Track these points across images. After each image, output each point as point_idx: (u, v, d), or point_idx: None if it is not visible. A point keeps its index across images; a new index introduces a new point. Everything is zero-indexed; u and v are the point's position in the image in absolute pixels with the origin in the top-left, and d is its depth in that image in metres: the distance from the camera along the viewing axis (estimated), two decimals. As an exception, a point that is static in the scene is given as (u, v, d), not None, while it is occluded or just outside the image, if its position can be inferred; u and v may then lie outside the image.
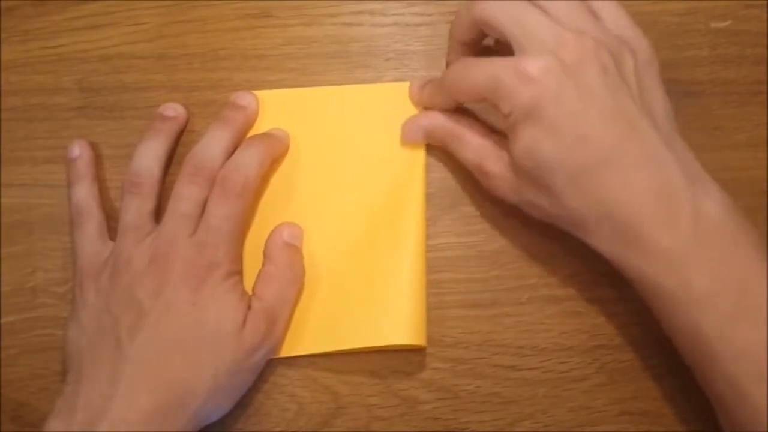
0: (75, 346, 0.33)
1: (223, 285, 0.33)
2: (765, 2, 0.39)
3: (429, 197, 0.37)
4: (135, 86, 0.38)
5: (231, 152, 0.35)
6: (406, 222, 0.36)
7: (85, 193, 0.36)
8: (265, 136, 0.37)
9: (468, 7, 0.33)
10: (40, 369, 0.36)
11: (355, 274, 0.36)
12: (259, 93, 0.38)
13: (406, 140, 0.37)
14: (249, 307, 0.34)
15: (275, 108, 0.38)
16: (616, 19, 0.33)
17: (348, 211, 0.37)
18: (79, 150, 0.37)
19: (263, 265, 0.35)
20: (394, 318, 0.35)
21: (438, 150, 0.37)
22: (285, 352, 0.36)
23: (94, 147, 0.38)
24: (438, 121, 0.36)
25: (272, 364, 0.36)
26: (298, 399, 0.36)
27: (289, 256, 0.36)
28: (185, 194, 0.34)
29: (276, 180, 0.37)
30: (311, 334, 0.36)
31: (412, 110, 0.37)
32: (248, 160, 0.35)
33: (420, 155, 0.37)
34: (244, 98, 0.37)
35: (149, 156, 0.36)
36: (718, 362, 0.29)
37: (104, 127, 0.38)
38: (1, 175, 0.38)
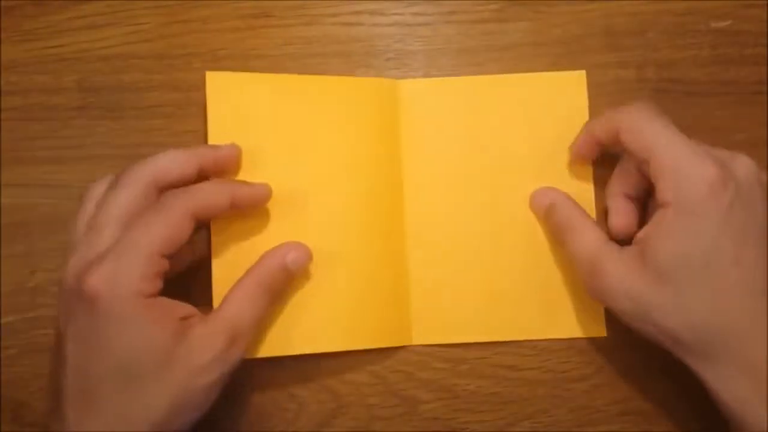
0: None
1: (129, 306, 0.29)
2: (765, 2, 0.39)
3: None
4: (135, 86, 0.38)
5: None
6: (402, 220, 0.37)
7: None
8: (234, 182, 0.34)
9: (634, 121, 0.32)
10: (40, 369, 0.36)
11: (364, 273, 0.36)
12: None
13: (536, 206, 0.36)
14: (188, 322, 0.30)
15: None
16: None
17: (343, 208, 0.36)
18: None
19: (242, 277, 0.32)
20: (410, 317, 0.36)
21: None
22: (294, 350, 0.35)
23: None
24: (563, 199, 0.35)
25: (272, 363, 0.35)
26: (298, 399, 0.36)
27: (277, 280, 0.33)
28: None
29: (277, 179, 0.37)
30: (319, 332, 0.35)
31: (399, 104, 0.37)
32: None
33: (397, 152, 0.37)
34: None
35: None
36: None
37: (104, 127, 0.38)
38: (1, 175, 0.38)
